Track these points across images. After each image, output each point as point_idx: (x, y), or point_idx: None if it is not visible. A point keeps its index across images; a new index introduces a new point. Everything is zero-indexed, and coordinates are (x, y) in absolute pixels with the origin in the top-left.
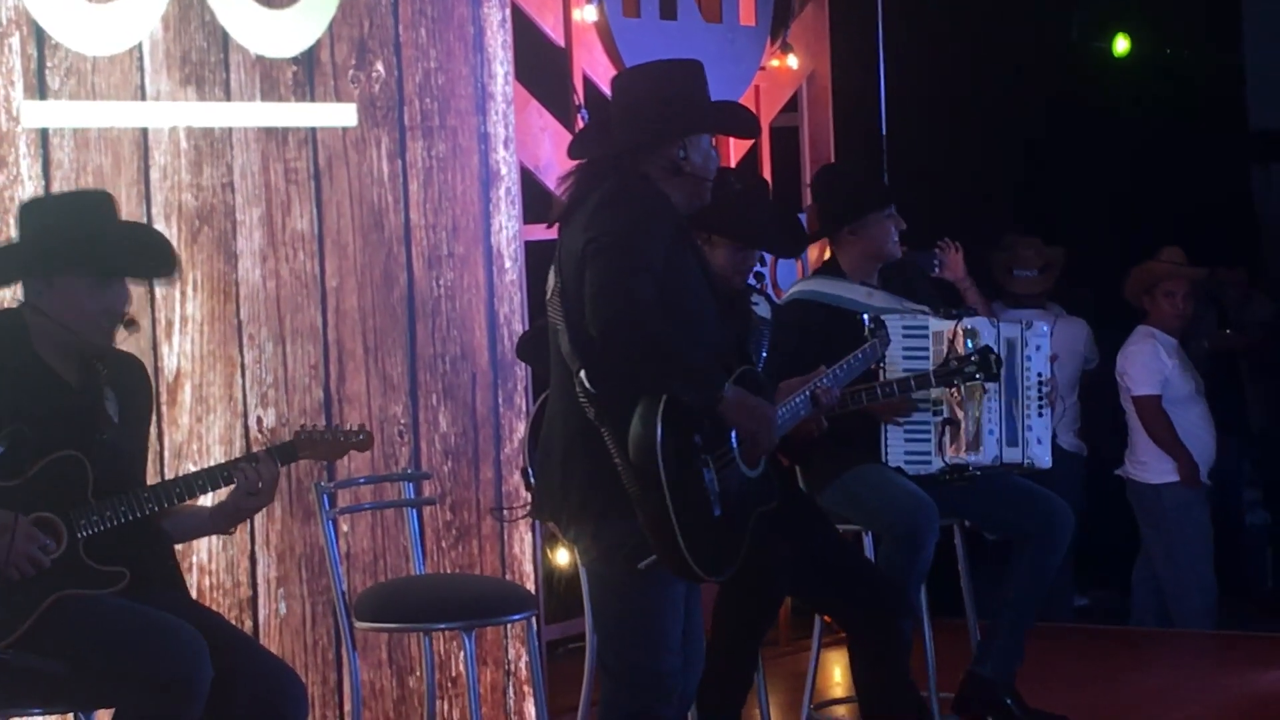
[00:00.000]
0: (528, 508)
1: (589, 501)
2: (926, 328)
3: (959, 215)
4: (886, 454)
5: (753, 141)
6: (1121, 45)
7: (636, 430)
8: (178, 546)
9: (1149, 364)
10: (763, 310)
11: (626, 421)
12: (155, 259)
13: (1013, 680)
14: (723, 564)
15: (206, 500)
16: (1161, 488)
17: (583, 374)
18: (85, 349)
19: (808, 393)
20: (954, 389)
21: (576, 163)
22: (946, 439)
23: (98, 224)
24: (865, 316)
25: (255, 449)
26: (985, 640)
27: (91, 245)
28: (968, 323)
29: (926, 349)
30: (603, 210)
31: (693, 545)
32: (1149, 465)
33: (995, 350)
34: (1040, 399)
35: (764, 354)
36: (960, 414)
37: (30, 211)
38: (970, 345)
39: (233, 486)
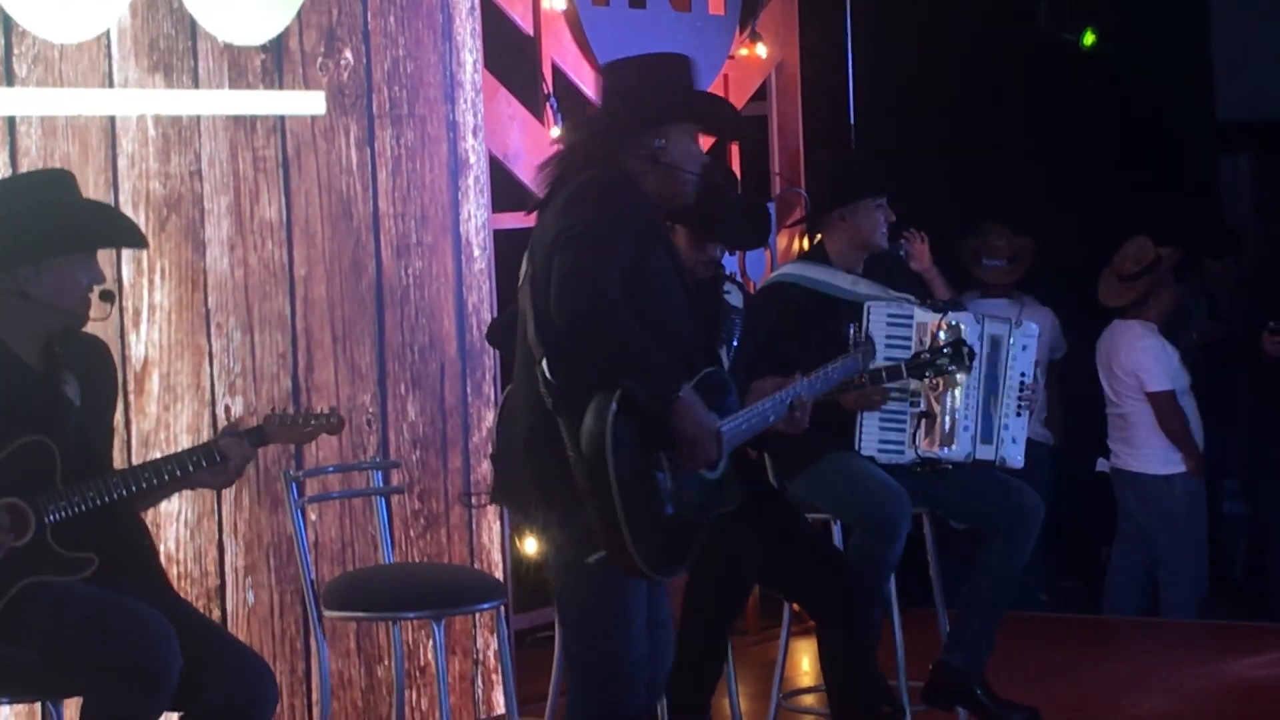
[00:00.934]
0: (493, 493)
1: (552, 491)
2: (911, 317)
3: (927, 205)
4: (860, 442)
5: None
6: (1090, 38)
7: (589, 423)
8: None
9: (1161, 359)
10: (735, 299)
11: (582, 413)
12: (129, 229)
13: (983, 670)
14: (672, 564)
15: None
16: (1171, 479)
17: (544, 363)
18: (70, 326)
19: (778, 399)
20: (928, 380)
21: (556, 150)
22: (921, 432)
23: (71, 202)
24: (851, 329)
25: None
26: (955, 630)
27: (75, 222)
28: (953, 318)
29: (909, 338)
30: (576, 201)
31: (640, 543)
32: (1155, 457)
33: (969, 344)
34: (1020, 400)
35: (735, 343)
36: (937, 408)
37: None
38: (949, 337)
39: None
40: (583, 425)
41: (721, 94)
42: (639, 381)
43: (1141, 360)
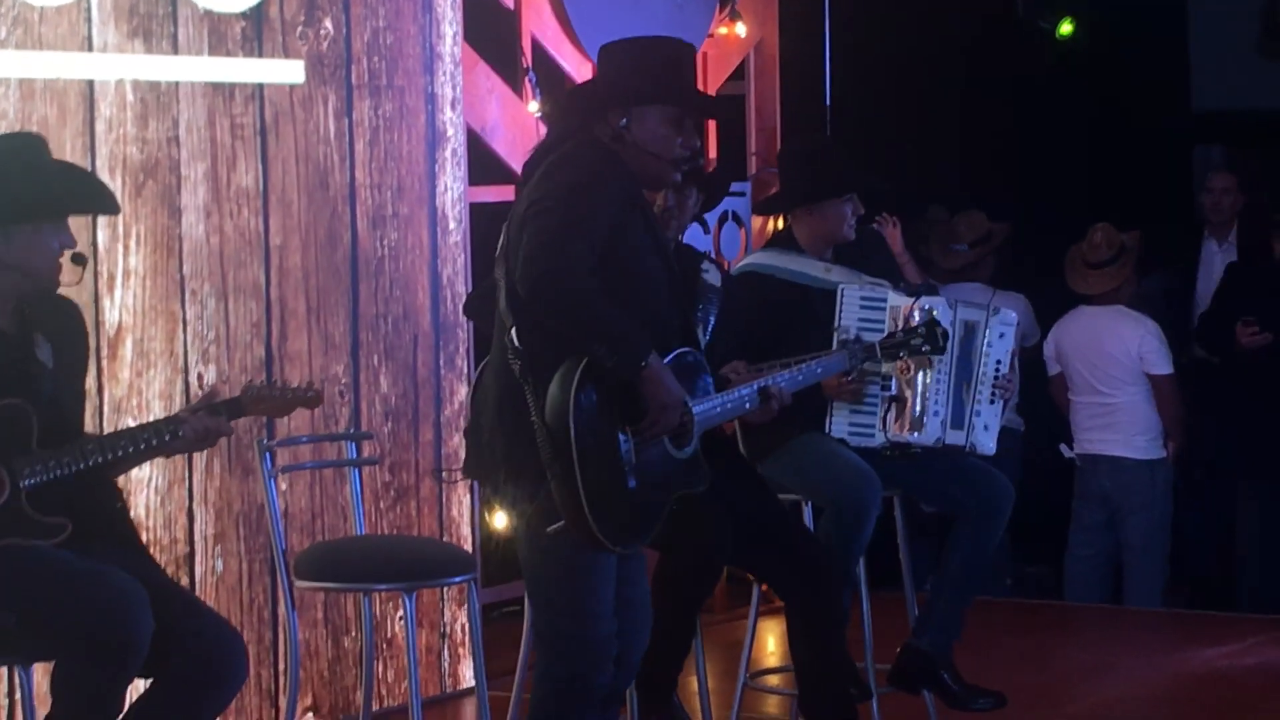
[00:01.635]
0: (464, 467)
1: (521, 463)
2: (885, 301)
3: (902, 187)
4: (831, 424)
5: None
6: (1066, 28)
7: (553, 390)
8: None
9: (1163, 342)
10: (712, 277)
11: (548, 381)
12: (102, 194)
13: (950, 654)
14: (631, 536)
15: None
16: (1154, 464)
17: (513, 331)
18: (40, 290)
19: (755, 387)
20: (901, 362)
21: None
22: (891, 416)
23: (42, 166)
24: (838, 324)
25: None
26: (923, 613)
27: (46, 187)
28: (925, 302)
29: (883, 322)
30: (550, 172)
31: (599, 514)
32: (1144, 442)
33: (953, 337)
34: (995, 388)
35: (712, 321)
36: (908, 392)
37: None
38: (923, 318)
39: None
40: (548, 392)
41: (699, 72)
42: (606, 348)
43: (1145, 344)
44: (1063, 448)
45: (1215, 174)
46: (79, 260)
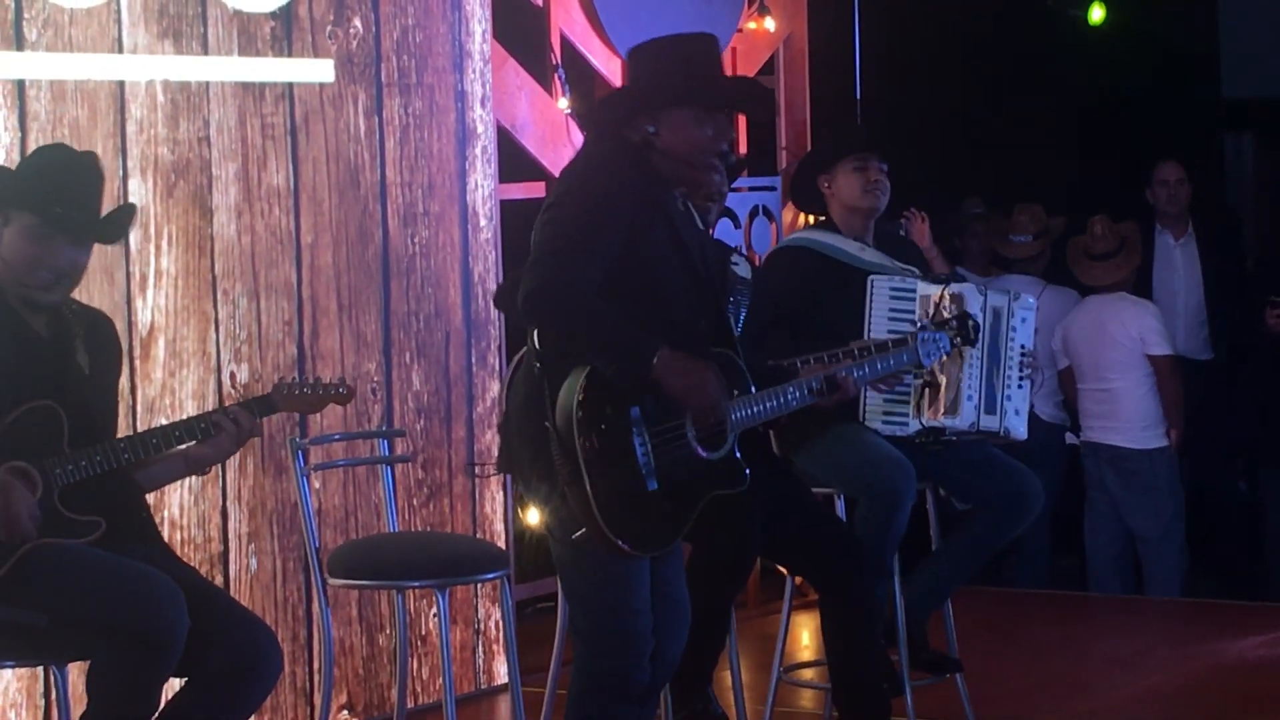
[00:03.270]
0: (498, 461)
1: (549, 462)
2: (914, 290)
3: (934, 179)
4: (865, 414)
5: None
6: (1097, 14)
7: (561, 397)
8: (149, 499)
9: (1161, 324)
10: (743, 270)
11: (560, 386)
12: (101, 232)
13: (924, 624)
14: (654, 540)
15: None
16: (1153, 453)
17: (534, 333)
18: (25, 298)
19: (808, 384)
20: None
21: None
22: (925, 401)
23: (67, 176)
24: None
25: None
26: (915, 574)
27: (43, 189)
28: (954, 288)
29: (913, 311)
30: (565, 179)
31: (613, 519)
32: (1140, 432)
33: (974, 317)
34: (1021, 371)
35: (742, 315)
36: (942, 377)
37: (35, 151)
38: (953, 310)
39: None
40: (558, 397)
41: (729, 67)
42: (605, 358)
43: (1144, 324)
44: (1069, 435)
45: (1164, 165)
46: (62, 283)
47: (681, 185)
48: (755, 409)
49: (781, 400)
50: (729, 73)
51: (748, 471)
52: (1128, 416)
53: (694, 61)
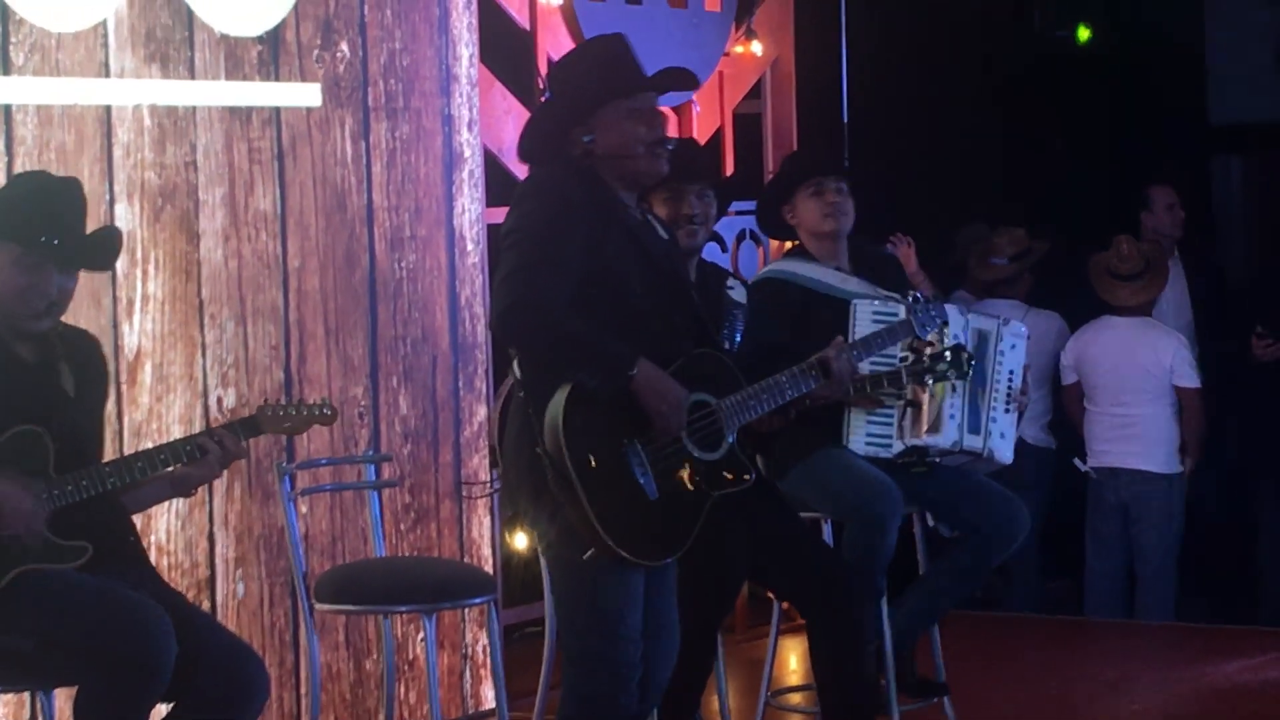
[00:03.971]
0: (488, 488)
1: (542, 483)
2: (897, 314)
3: (920, 203)
4: (848, 436)
5: (717, 126)
6: (1084, 33)
7: (547, 417)
8: (135, 522)
9: (1191, 355)
10: (738, 294)
11: (545, 409)
12: (90, 257)
13: (911, 650)
14: (664, 546)
15: None
16: (1172, 478)
17: (516, 361)
18: (16, 330)
19: (803, 370)
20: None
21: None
22: (908, 421)
23: (52, 204)
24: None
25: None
26: (902, 600)
27: (28, 218)
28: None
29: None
30: (520, 202)
31: (616, 531)
32: (1164, 456)
33: (965, 344)
34: (1008, 397)
35: (738, 338)
36: (923, 397)
37: (13, 179)
38: (942, 305)
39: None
40: (544, 419)
41: (716, 91)
42: (585, 370)
43: (1178, 356)
44: (1076, 462)
45: (1161, 188)
46: (51, 312)
47: (632, 185)
48: (750, 403)
49: (776, 391)
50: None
51: (751, 471)
52: (1152, 440)
53: (607, 58)
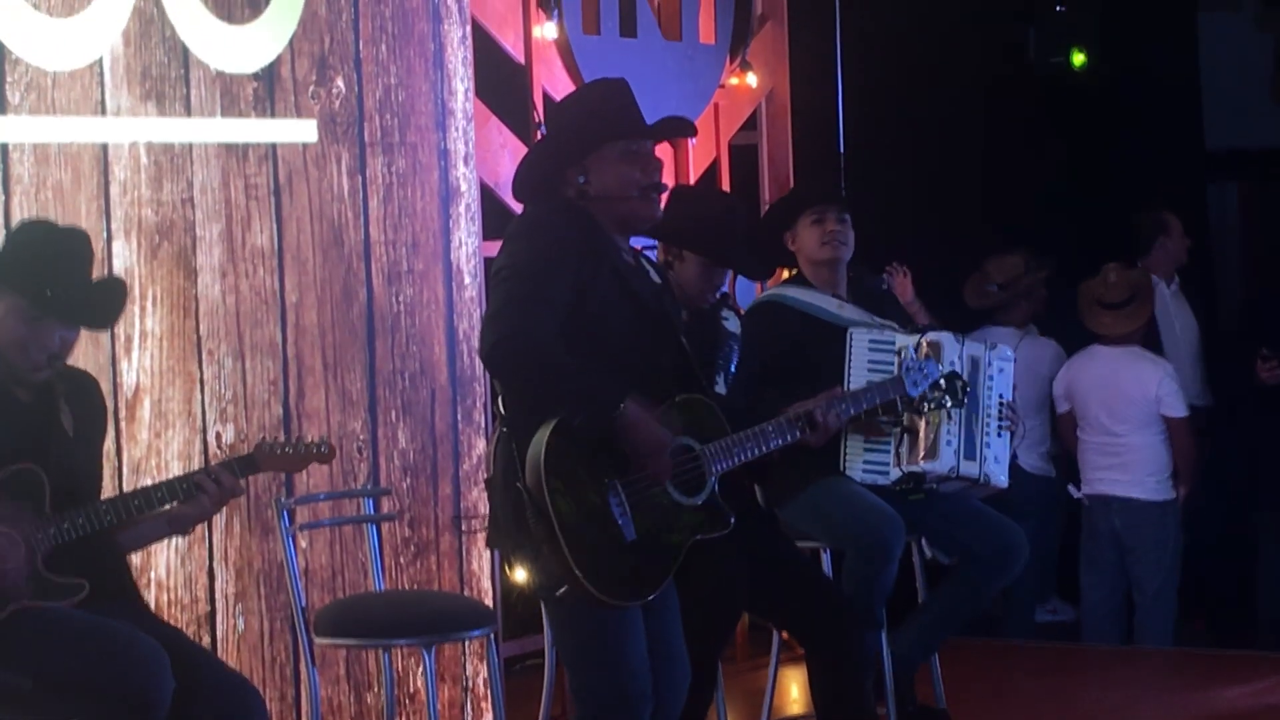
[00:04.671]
0: (486, 521)
1: (523, 522)
2: (893, 343)
3: (917, 233)
4: (845, 464)
5: (712, 158)
6: (1079, 58)
7: (529, 454)
8: (135, 559)
9: (1178, 384)
10: (733, 325)
11: (527, 446)
12: (93, 314)
13: (912, 677)
14: (635, 589)
15: None
16: (1165, 505)
17: (500, 399)
18: (16, 379)
19: (789, 417)
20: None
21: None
22: (905, 448)
23: (57, 257)
24: (906, 353)
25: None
26: (902, 627)
27: (33, 270)
28: (931, 336)
29: (891, 363)
30: (512, 240)
31: (591, 571)
32: (1155, 483)
33: (960, 371)
34: (1000, 420)
35: (733, 368)
36: (920, 423)
37: (19, 227)
38: (934, 361)
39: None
40: (526, 455)
41: (712, 123)
42: (570, 408)
43: (1164, 386)
44: (1071, 488)
45: (1170, 216)
46: (54, 362)
47: (623, 228)
48: (734, 451)
49: (761, 441)
50: (699, 126)
51: (731, 515)
52: (1142, 468)
53: (607, 102)
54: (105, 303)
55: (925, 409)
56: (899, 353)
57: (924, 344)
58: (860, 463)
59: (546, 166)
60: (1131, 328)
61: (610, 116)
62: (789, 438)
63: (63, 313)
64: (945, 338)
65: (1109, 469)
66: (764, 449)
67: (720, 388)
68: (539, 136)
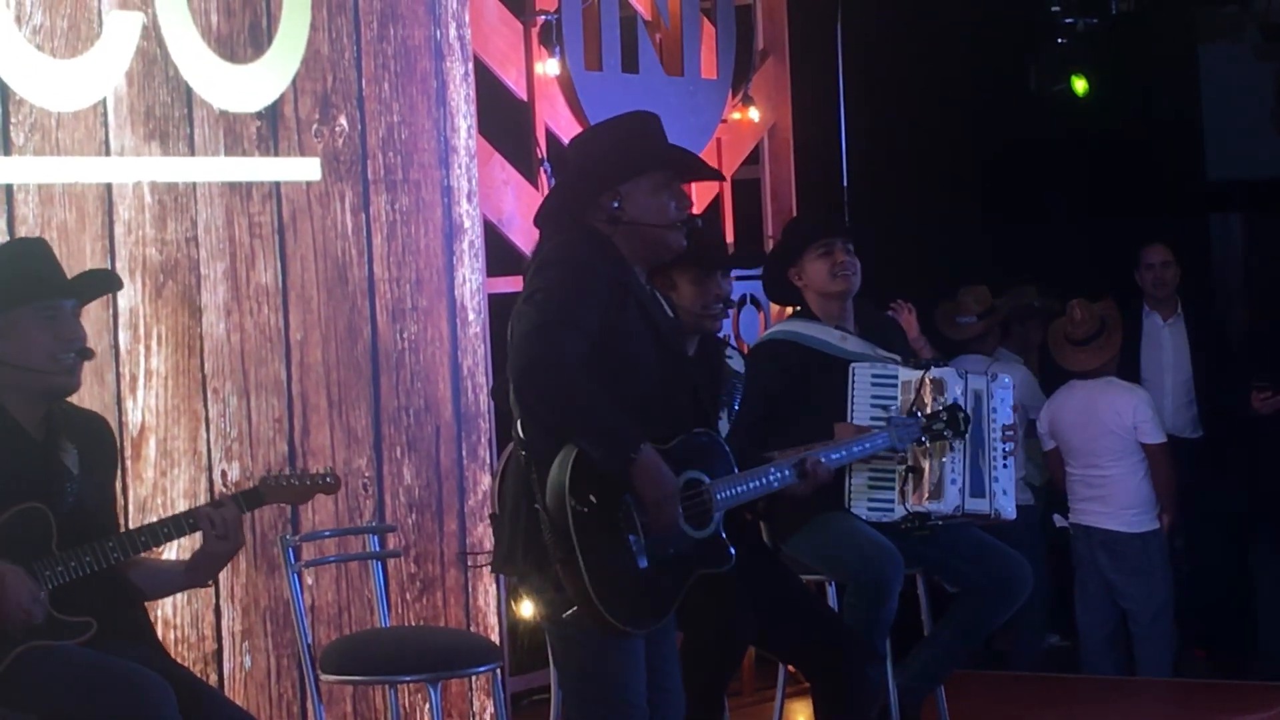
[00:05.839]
0: (492, 561)
1: (542, 549)
2: (896, 377)
3: (920, 266)
4: (850, 500)
5: (715, 192)
6: (1080, 86)
7: (552, 476)
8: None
9: (1155, 412)
10: (736, 364)
11: (549, 469)
12: (96, 279)
13: (918, 706)
14: (646, 617)
15: (171, 554)
16: (1147, 536)
17: (519, 423)
18: (51, 390)
19: (790, 464)
20: (921, 444)
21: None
22: (909, 487)
23: (35, 260)
24: (893, 405)
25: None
26: (909, 659)
27: (31, 275)
28: (935, 373)
29: (895, 397)
30: (541, 269)
31: (606, 597)
32: (1134, 516)
33: (963, 406)
34: (1005, 449)
35: (735, 407)
36: (924, 463)
37: None
38: (937, 397)
39: (199, 536)
40: (548, 478)
41: (714, 157)
42: (591, 441)
43: (1139, 413)
44: (1056, 517)
45: (1150, 248)
46: (85, 354)
47: (648, 260)
48: (739, 489)
49: (764, 480)
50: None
51: (732, 551)
52: (1121, 501)
53: (646, 132)
54: (98, 275)
55: (925, 442)
56: (904, 390)
57: (926, 380)
58: (865, 500)
59: (580, 190)
60: (1100, 361)
61: (651, 146)
62: (788, 480)
63: (68, 288)
64: (949, 374)
65: (1090, 500)
66: (766, 488)
67: (723, 425)
68: (543, 173)
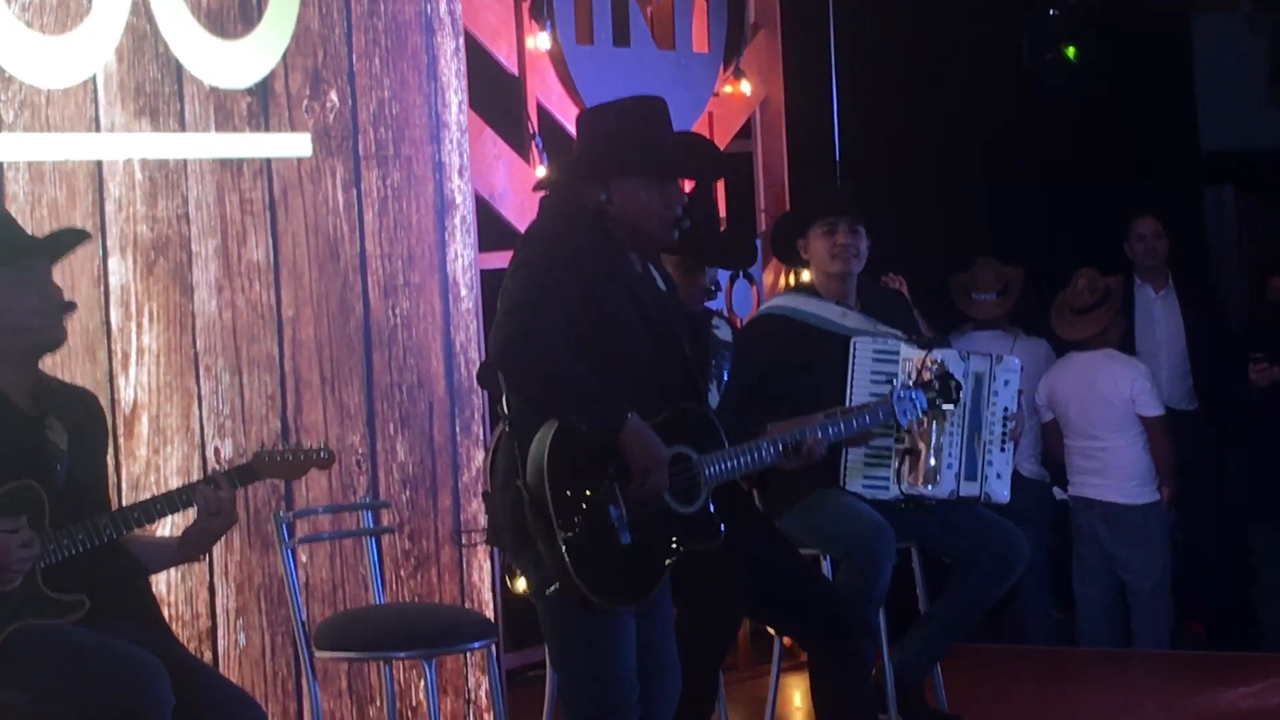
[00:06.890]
0: (485, 534)
1: (522, 523)
2: (897, 353)
3: (914, 240)
4: (845, 478)
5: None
6: (1071, 52)
7: (531, 452)
8: None
9: (1151, 384)
10: (723, 333)
11: (530, 445)
12: (65, 236)
13: (920, 682)
14: (628, 594)
15: (164, 531)
16: (1147, 508)
17: (504, 399)
18: (42, 344)
19: (782, 441)
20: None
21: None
22: (905, 468)
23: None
24: (895, 381)
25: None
26: (908, 635)
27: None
28: (937, 355)
29: (895, 374)
30: (528, 243)
31: (586, 573)
32: (1135, 487)
33: (956, 378)
34: (1004, 434)
35: (725, 377)
36: (921, 445)
37: None
38: (935, 372)
39: (193, 511)
40: (528, 455)
41: (706, 131)
42: (577, 414)
43: (1137, 385)
44: (1056, 490)
45: (1140, 219)
46: (69, 308)
47: (636, 248)
48: (728, 464)
49: (755, 456)
50: (696, 134)
51: (722, 527)
52: (1120, 473)
53: (643, 127)
54: (67, 232)
55: (926, 412)
56: (892, 380)
57: (927, 360)
58: (860, 478)
59: (572, 175)
60: (1094, 330)
61: (641, 146)
62: (778, 457)
63: (39, 247)
64: (950, 356)
65: (1090, 473)
66: (757, 465)
67: (713, 397)
68: (534, 148)
